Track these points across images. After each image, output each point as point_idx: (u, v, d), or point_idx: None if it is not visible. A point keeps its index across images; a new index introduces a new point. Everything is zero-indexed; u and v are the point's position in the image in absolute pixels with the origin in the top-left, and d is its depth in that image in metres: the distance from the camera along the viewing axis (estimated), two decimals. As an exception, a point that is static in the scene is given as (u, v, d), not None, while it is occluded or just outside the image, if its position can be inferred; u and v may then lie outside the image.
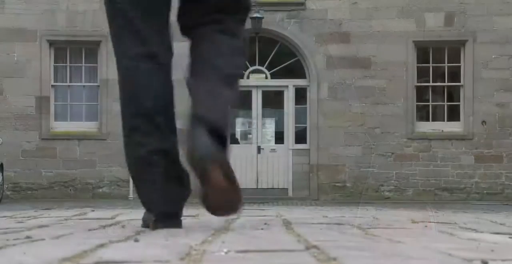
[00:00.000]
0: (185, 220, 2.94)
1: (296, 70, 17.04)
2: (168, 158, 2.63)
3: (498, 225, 3.00)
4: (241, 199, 2.47)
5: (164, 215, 2.59)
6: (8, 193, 16.06)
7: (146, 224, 2.65)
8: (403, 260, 1.48)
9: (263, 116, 17.07)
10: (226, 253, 1.59)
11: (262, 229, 2.46)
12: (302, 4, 16.64)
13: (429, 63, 16.91)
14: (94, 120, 16.73)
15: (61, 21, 16.52)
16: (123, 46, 2.72)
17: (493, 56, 16.50)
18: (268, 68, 17.02)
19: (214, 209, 2.49)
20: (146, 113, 2.63)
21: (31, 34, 16.46)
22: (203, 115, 2.45)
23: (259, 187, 16.78)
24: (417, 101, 16.76)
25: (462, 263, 1.42)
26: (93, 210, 4.70)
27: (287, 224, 2.79)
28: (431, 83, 16.96)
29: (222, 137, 2.43)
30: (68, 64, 16.90)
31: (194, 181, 2.51)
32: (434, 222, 3.12)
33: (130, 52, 2.69)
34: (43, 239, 1.98)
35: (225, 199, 2.42)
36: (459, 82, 16.79)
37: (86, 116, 16.84)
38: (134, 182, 2.77)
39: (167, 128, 2.65)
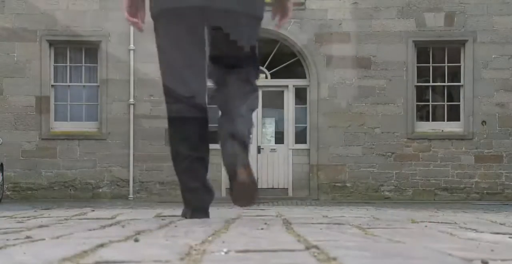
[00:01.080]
0: (185, 220, 2.94)
1: (296, 70, 17.03)
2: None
3: (498, 225, 3.00)
4: (258, 193, 3.41)
5: (198, 209, 3.51)
6: (8, 193, 16.06)
7: (184, 216, 3.51)
8: (403, 260, 1.48)
9: (263, 116, 17.06)
10: (226, 253, 1.59)
11: (262, 229, 2.46)
12: (302, 4, 16.63)
13: (429, 63, 16.90)
14: (94, 120, 16.73)
15: (61, 21, 16.51)
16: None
17: (493, 56, 16.50)
18: (268, 68, 17.00)
19: (237, 200, 3.39)
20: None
21: (31, 34, 16.46)
22: (234, 132, 3.40)
23: (259, 187, 16.75)
24: (417, 101, 16.75)
25: (462, 263, 1.42)
26: (93, 210, 4.70)
27: (287, 224, 2.79)
28: (431, 83, 16.96)
29: (246, 147, 3.42)
30: (68, 64, 16.89)
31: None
32: (434, 222, 3.12)
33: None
34: (43, 239, 1.98)
35: (246, 192, 3.32)
36: (459, 82, 16.78)
37: (86, 116, 16.84)
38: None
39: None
